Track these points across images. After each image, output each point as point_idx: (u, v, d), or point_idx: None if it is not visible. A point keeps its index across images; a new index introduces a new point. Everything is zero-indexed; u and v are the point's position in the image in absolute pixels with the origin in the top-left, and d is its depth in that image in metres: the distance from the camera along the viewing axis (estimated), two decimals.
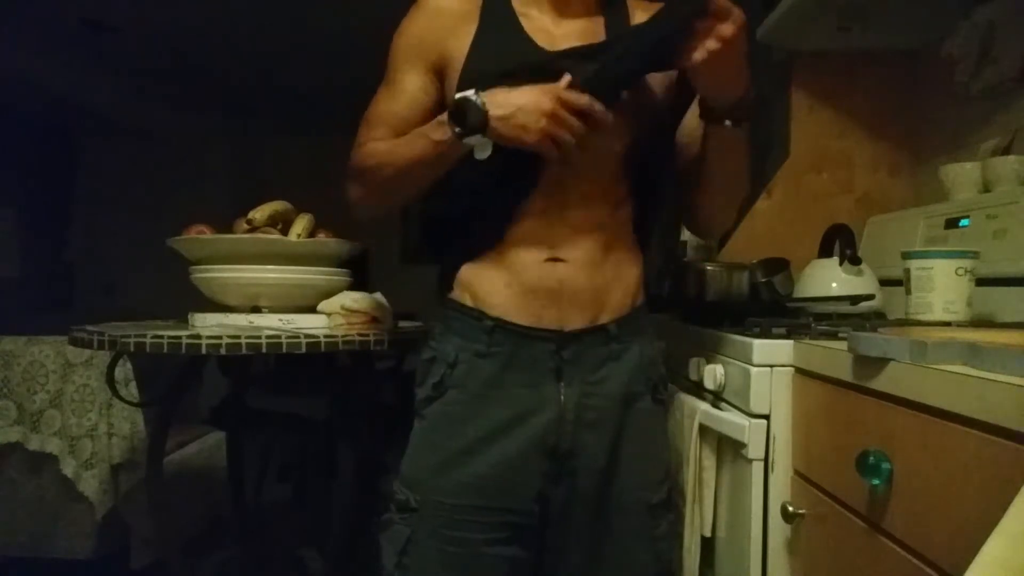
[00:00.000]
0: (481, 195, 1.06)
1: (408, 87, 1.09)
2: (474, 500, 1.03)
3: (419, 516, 1.04)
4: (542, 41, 1.06)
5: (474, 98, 0.96)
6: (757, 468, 1.03)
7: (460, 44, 1.07)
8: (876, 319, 1.23)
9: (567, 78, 0.97)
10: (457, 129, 0.97)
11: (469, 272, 1.08)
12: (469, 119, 0.96)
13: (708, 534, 1.15)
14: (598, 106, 0.95)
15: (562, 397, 1.03)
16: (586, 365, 1.04)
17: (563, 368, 1.03)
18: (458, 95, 0.97)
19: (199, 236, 1.68)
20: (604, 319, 1.05)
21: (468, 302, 1.07)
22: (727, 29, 0.91)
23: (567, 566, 1.08)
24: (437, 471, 1.05)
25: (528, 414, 1.02)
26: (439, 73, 1.10)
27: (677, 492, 1.22)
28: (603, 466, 1.05)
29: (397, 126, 1.09)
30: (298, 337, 1.45)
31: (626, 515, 1.07)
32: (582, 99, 0.95)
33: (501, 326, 1.04)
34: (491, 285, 1.05)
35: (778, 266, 1.39)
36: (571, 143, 0.95)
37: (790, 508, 0.98)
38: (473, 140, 0.98)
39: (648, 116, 1.08)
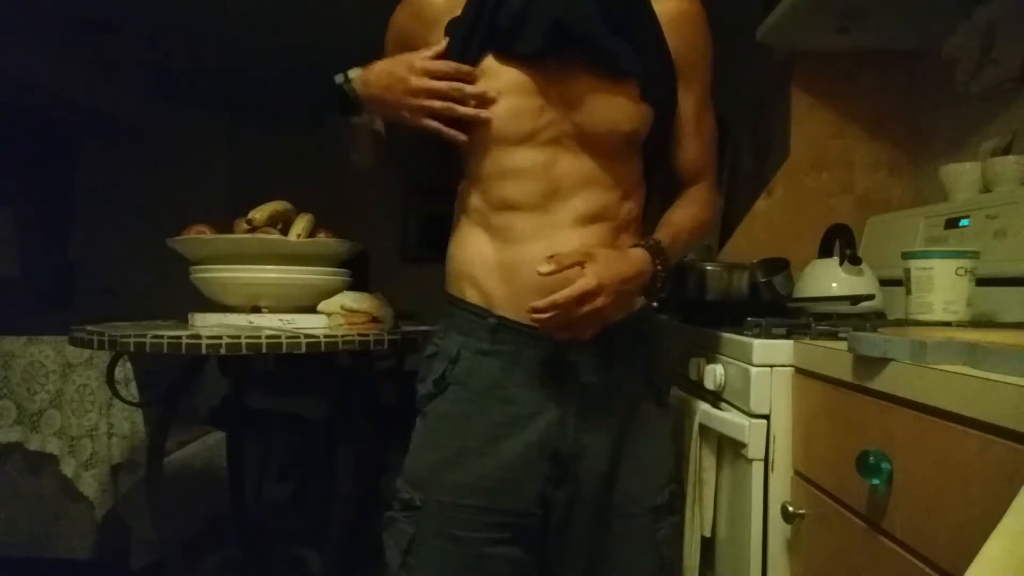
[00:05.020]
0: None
1: None
2: (475, 500, 1.02)
3: (422, 515, 1.03)
4: None
5: (340, 82, 0.99)
6: (757, 468, 1.03)
7: (440, 39, 1.06)
8: (876, 319, 1.23)
9: (432, 49, 0.98)
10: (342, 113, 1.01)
11: (472, 268, 1.06)
12: (342, 103, 1.00)
13: (708, 534, 1.15)
14: (465, 68, 0.97)
15: (564, 399, 1.02)
16: (589, 366, 1.03)
17: (566, 369, 1.02)
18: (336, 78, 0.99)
19: (199, 236, 1.68)
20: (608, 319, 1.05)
21: (472, 299, 1.06)
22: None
23: (571, 569, 1.08)
24: (439, 471, 1.04)
25: (530, 416, 1.02)
26: None
27: (679, 493, 1.22)
28: (605, 469, 1.05)
29: None
30: (298, 337, 1.45)
31: (629, 519, 1.07)
32: (441, 65, 0.96)
33: (504, 324, 1.03)
34: (494, 283, 1.04)
35: (778, 266, 1.39)
36: (447, 109, 0.96)
37: (790, 508, 0.98)
38: (356, 120, 1.03)
39: (662, 96, 1.07)
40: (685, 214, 1.12)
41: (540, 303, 0.91)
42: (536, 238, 1.01)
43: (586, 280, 0.91)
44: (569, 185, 1.02)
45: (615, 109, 1.02)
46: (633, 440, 1.06)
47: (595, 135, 1.02)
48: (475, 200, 1.06)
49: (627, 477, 1.06)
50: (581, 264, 0.93)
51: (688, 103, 1.11)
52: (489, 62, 1.02)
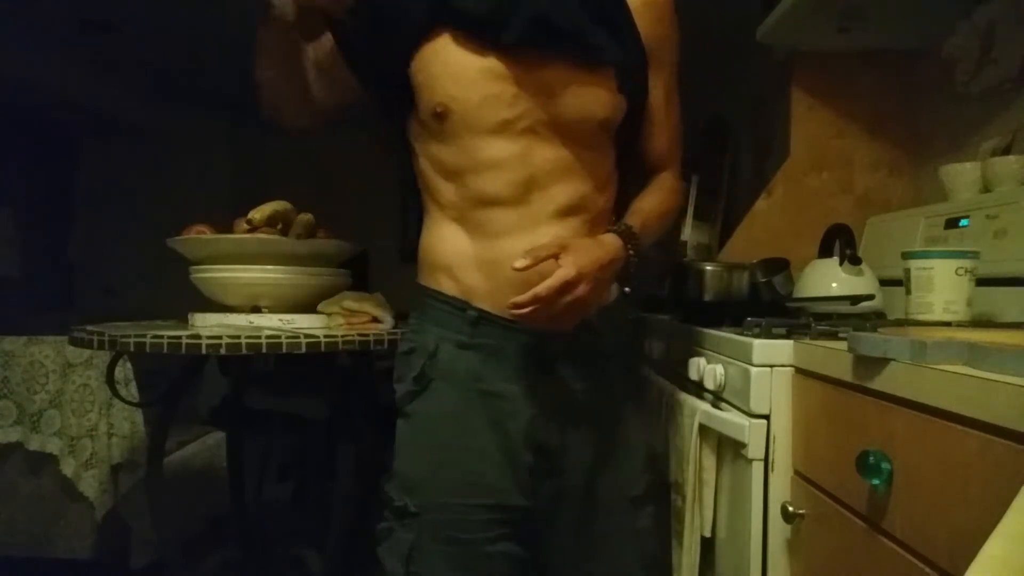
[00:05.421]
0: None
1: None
2: (473, 498, 1.01)
3: (421, 520, 1.01)
4: None
5: None
6: (757, 468, 1.03)
7: None
8: (876, 319, 1.23)
9: None
10: None
11: (451, 261, 1.04)
12: None
13: (708, 534, 1.15)
14: None
15: (547, 392, 1.02)
16: (569, 358, 1.03)
17: (547, 361, 1.02)
18: None
19: (199, 236, 1.68)
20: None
21: (450, 291, 1.04)
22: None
23: (561, 563, 1.07)
24: (433, 472, 1.02)
25: (516, 410, 1.01)
26: None
27: (672, 487, 1.21)
28: (590, 462, 1.05)
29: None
30: (298, 337, 1.45)
31: (611, 510, 1.07)
32: None
33: (485, 317, 1.01)
34: (474, 277, 1.02)
35: (778, 266, 1.39)
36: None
37: (790, 508, 0.98)
38: None
39: (636, 84, 1.06)
40: (653, 201, 1.12)
41: (521, 298, 0.90)
42: (515, 232, 1.00)
43: (565, 270, 0.91)
44: (546, 176, 1.01)
45: (591, 97, 1.01)
46: (613, 431, 1.07)
47: (571, 123, 1.01)
48: (450, 195, 1.04)
49: (609, 468, 1.06)
50: (556, 256, 0.92)
51: (658, 91, 1.11)
52: (462, 47, 0.99)
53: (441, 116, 1.00)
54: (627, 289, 1.12)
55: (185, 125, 4.81)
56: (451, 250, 1.05)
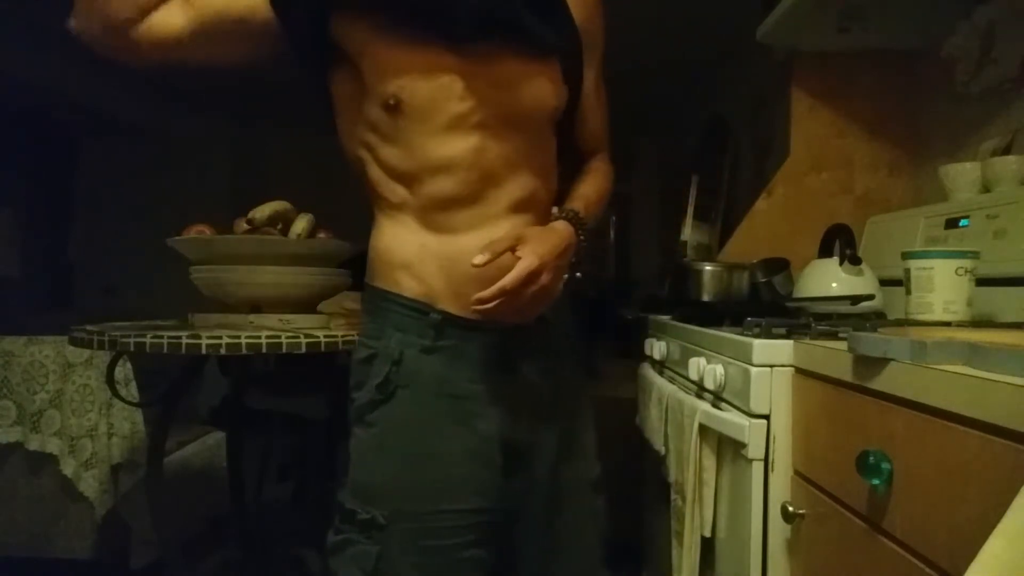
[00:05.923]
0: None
1: None
2: (448, 504, 0.98)
3: (390, 532, 0.97)
4: None
5: None
6: (757, 468, 1.03)
7: None
8: (876, 319, 1.23)
9: None
10: None
11: (412, 258, 1.02)
12: None
13: (708, 534, 1.15)
14: None
15: (513, 389, 1.01)
16: (529, 351, 1.03)
17: (509, 358, 1.01)
18: None
19: (199, 236, 1.68)
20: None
21: (410, 293, 1.01)
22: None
23: (528, 556, 1.07)
24: (404, 480, 0.98)
25: (483, 410, 1.00)
26: None
27: (672, 487, 1.22)
28: (555, 452, 1.05)
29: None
30: (298, 337, 1.45)
31: (575, 498, 1.08)
32: None
33: (449, 320, 1.00)
34: (434, 277, 1.00)
35: (778, 266, 1.39)
36: None
37: (790, 508, 0.98)
38: None
39: (575, 71, 1.07)
40: (592, 186, 1.14)
41: (486, 293, 0.90)
42: (471, 229, 0.99)
43: (527, 261, 0.91)
44: (499, 171, 1.00)
45: (540, 88, 1.01)
46: (571, 419, 1.08)
47: (522, 116, 1.00)
48: (404, 195, 1.02)
49: (571, 457, 1.07)
50: (513, 248, 0.92)
51: (590, 77, 1.12)
52: (408, 38, 0.96)
53: (393, 109, 0.97)
54: (579, 274, 1.13)
55: (185, 125, 4.81)
56: (409, 248, 1.02)
